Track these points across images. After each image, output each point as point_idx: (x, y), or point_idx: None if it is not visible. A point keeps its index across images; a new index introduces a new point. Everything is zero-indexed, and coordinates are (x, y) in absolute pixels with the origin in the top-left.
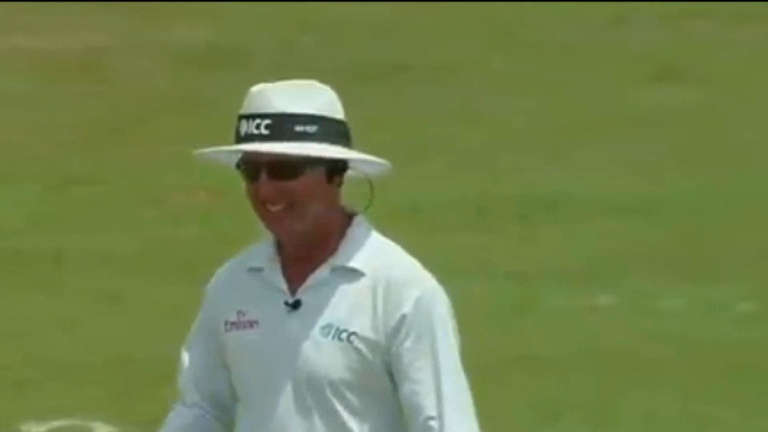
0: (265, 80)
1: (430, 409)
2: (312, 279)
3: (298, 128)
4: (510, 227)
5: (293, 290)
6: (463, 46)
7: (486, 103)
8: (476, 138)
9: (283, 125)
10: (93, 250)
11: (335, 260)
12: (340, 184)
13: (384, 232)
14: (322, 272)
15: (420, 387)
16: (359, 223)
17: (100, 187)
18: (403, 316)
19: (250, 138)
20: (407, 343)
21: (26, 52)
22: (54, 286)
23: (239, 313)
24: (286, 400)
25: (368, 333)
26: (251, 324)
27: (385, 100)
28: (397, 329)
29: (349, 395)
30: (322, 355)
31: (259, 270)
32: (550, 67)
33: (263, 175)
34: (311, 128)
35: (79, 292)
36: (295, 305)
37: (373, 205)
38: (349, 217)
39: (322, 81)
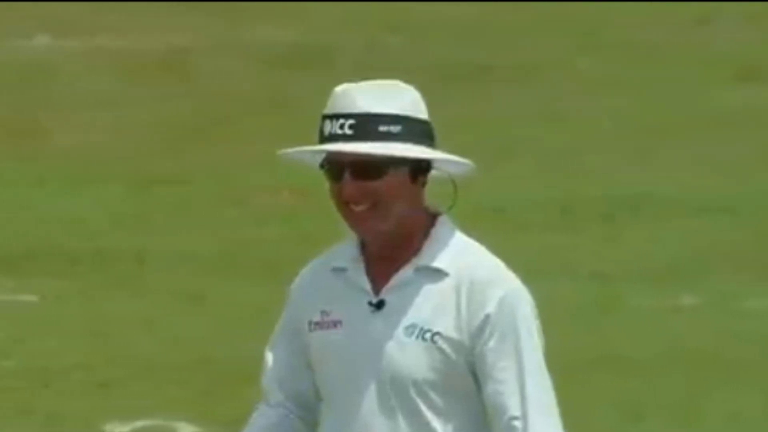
0: (350, 80)
1: (514, 409)
2: (396, 279)
3: (382, 128)
4: (594, 227)
5: (377, 290)
6: (548, 46)
7: (571, 103)
8: (561, 138)
9: (367, 125)
10: (176, 250)
11: (419, 260)
12: (424, 184)
13: (468, 232)
14: (406, 272)
15: (504, 387)
16: (443, 223)
17: (184, 188)
18: (487, 316)
19: (333, 138)
20: (491, 343)
21: (110, 52)
22: (137, 286)
23: (323, 313)
24: (370, 400)
25: (452, 333)
26: (335, 324)
27: (470, 100)
28: (481, 329)
29: (432, 395)
30: (406, 355)
31: (343, 270)
32: (634, 68)
33: (347, 175)
34: (395, 128)
35: (162, 292)
36: (379, 305)
37: (457, 205)
38: (433, 217)
39: (407, 81)
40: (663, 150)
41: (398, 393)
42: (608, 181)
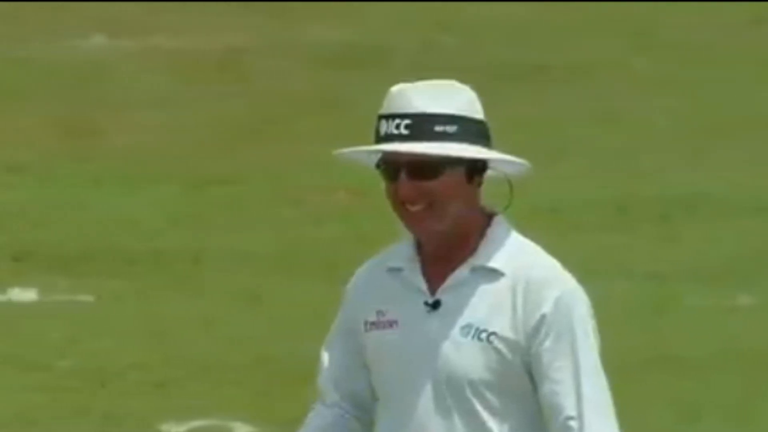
0: (404, 80)
1: (570, 409)
2: (452, 279)
3: (438, 128)
4: (650, 227)
5: (433, 290)
6: (602, 45)
7: (625, 102)
8: (616, 138)
9: (422, 125)
10: (233, 249)
11: (475, 260)
12: (479, 184)
13: (523, 231)
14: (462, 272)
15: (560, 387)
16: (499, 223)
17: (240, 187)
18: (543, 316)
19: (389, 138)
20: (547, 343)
21: (166, 52)
22: (194, 285)
23: (379, 313)
24: (426, 400)
25: (508, 333)
26: (391, 324)
27: (525, 100)
28: (536, 329)
29: (488, 395)
30: (462, 356)
31: (399, 270)
32: (689, 67)
33: (403, 175)
34: (451, 128)
35: (219, 292)
36: (435, 305)
37: (513, 205)
38: (488, 217)
39: (461, 81)
40: (718, 149)
41: (454, 393)
42: (664, 181)
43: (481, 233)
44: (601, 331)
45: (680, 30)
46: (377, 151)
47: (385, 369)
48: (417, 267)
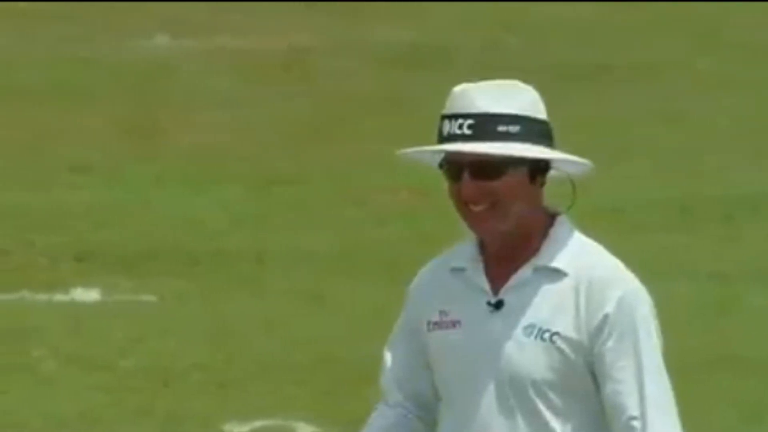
0: (468, 80)
1: (633, 409)
2: (514, 279)
3: (501, 128)
4: (713, 227)
5: (496, 290)
6: (666, 45)
7: (689, 102)
8: (679, 138)
9: (485, 125)
10: (295, 249)
11: (538, 260)
12: (542, 184)
13: (586, 231)
14: (525, 272)
15: (622, 387)
16: (562, 223)
17: (303, 187)
18: (606, 316)
19: (452, 138)
20: (610, 343)
21: (230, 52)
22: (257, 286)
23: (442, 313)
24: (488, 400)
25: (571, 333)
26: (454, 324)
27: (588, 100)
28: (599, 329)
29: (551, 395)
30: (525, 355)
31: (462, 270)
32: (754, 67)
33: (466, 175)
34: (514, 128)
35: (282, 292)
36: (498, 305)
37: (576, 205)
38: (551, 217)
39: (525, 81)
40: None
41: (517, 393)
42: (727, 181)
43: (544, 233)
44: (664, 332)
45: (745, 30)
46: (440, 151)
47: (447, 369)
48: (480, 267)
